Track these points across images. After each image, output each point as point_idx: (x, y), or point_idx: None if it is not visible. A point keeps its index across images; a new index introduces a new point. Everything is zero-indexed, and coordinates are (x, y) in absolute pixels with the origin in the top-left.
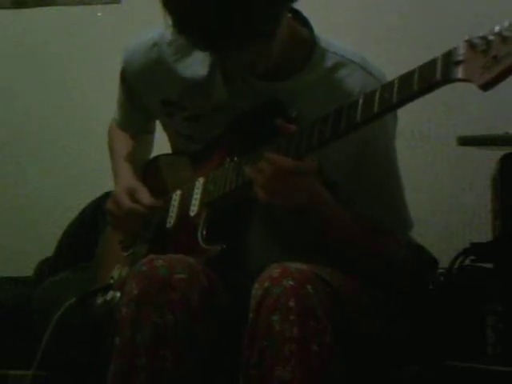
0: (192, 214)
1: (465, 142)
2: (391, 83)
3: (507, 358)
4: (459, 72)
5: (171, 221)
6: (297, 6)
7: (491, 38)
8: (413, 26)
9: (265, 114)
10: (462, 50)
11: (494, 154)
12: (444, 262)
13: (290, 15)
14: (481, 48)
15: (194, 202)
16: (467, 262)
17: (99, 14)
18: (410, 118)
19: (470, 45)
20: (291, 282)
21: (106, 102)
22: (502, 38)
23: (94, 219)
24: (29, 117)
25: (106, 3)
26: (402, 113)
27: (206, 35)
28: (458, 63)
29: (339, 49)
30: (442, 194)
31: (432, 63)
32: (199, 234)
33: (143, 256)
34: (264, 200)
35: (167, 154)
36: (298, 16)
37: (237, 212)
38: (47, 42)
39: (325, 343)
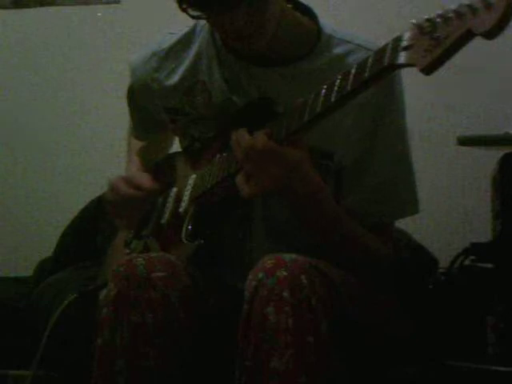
0: (181, 210)
1: (465, 141)
2: (349, 71)
3: (507, 358)
4: (404, 57)
5: (165, 217)
6: None
7: (437, 20)
8: None
9: (253, 112)
10: (410, 34)
11: (494, 154)
12: (444, 262)
13: (289, 5)
14: (427, 30)
15: (184, 198)
16: (467, 262)
17: (99, 14)
18: (409, 117)
19: (418, 27)
20: (285, 273)
21: (106, 101)
22: (445, 18)
23: (93, 219)
24: (29, 117)
25: (106, 3)
26: None
27: None
28: (406, 48)
29: (345, 34)
30: (442, 194)
31: (383, 49)
32: (183, 230)
33: (140, 253)
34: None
35: (176, 153)
36: (299, 6)
37: (227, 208)
38: (47, 42)
39: (320, 334)
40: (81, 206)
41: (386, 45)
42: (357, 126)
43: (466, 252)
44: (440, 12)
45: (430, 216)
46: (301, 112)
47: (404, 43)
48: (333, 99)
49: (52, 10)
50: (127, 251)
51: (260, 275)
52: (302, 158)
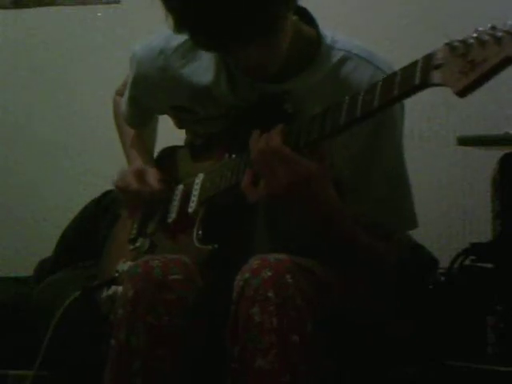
0: (190, 210)
1: (465, 141)
2: (374, 86)
3: (507, 358)
4: (437, 77)
5: (172, 216)
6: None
7: (471, 41)
8: (413, 26)
9: (262, 110)
10: (441, 54)
11: (494, 154)
12: (444, 262)
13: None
14: (460, 52)
15: (192, 198)
16: (467, 262)
17: (99, 14)
18: (409, 117)
19: (450, 48)
20: (269, 273)
21: (106, 101)
22: (481, 42)
23: (93, 219)
24: (29, 116)
25: (106, 3)
26: None
27: (210, 37)
28: (437, 67)
29: (345, 44)
30: (441, 194)
31: (412, 66)
32: (194, 233)
33: (146, 250)
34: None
35: (176, 146)
36: (303, 14)
37: (236, 212)
38: (47, 42)
39: (305, 333)
40: (81, 206)
41: (416, 62)
42: (354, 140)
43: (466, 252)
44: (475, 33)
45: (430, 216)
46: (322, 122)
47: (435, 62)
48: (358, 114)
49: (52, 9)
50: (131, 247)
51: (246, 276)
52: (317, 173)
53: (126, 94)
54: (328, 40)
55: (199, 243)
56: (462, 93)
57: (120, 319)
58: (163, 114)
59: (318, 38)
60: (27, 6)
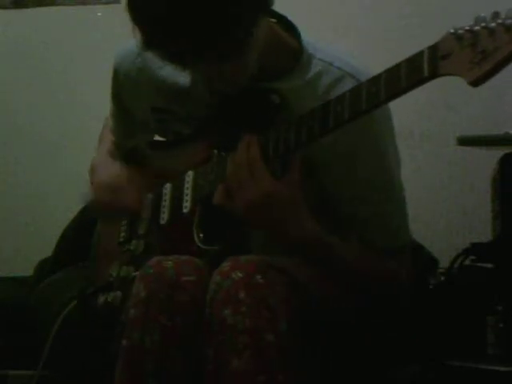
0: (185, 210)
1: (465, 141)
2: (377, 78)
3: (507, 358)
4: (446, 67)
5: (164, 217)
6: (297, 5)
7: (477, 29)
8: (413, 26)
9: (248, 103)
10: (447, 43)
11: (494, 154)
12: (444, 262)
13: (274, 21)
14: (468, 41)
15: (185, 197)
16: (467, 262)
17: (99, 14)
18: (410, 117)
19: (456, 37)
20: (240, 274)
21: (106, 101)
22: (489, 30)
23: (93, 219)
24: (29, 117)
25: (106, 3)
26: (402, 112)
27: (173, 58)
28: (444, 57)
29: (327, 55)
30: (441, 194)
31: (418, 57)
32: (195, 235)
33: (141, 252)
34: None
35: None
36: (282, 22)
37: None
38: (47, 42)
39: (280, 332)
40: (81, 206)
41: (421, 53)
42: (335, 142)
43: (466, 252)
44: (480, 22)
45: (430, 216)
46: (323, 117)
47: (441, 52)
48: (364, 106)
49: (52, 9)
50: (123, 249)
51: (217, 278)
52: (282, 196)
53: (111, 103)
54: (310, 48)
55: (203, 244)
56: (476, 83)
57: (133, 319)
58: (145, 121)
59: (299, 46)
60: (27, 6)
